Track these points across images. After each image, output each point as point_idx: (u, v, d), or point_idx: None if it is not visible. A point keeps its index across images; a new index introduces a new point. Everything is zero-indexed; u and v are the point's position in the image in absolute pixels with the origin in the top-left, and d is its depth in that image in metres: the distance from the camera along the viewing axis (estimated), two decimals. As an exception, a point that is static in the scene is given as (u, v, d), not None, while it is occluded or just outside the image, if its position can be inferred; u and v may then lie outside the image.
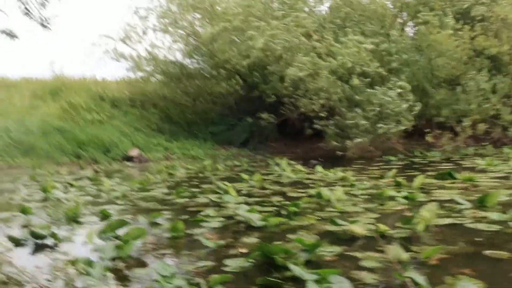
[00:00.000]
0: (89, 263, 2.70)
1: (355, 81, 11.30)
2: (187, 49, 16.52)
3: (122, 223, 3.51)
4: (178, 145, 14.93)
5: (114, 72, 36.11)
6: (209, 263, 2.90)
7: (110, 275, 2.38)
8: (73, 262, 2.66)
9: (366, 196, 5.26)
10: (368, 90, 11.19)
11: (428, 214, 3.55)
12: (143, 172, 9.94)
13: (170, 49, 16.65)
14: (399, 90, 10.77)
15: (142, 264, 2.99)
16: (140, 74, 17.33)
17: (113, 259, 3.03)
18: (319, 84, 11.44)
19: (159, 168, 10.01)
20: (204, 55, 16.30)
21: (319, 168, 8.08)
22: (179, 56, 17.07)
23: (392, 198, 4.96)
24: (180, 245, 3.44)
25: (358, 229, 3.42)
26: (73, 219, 4.56)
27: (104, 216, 4.61)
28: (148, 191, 6.59)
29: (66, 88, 17.93)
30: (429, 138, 11.63)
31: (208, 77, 17.16)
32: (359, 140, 10.82)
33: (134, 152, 13.66)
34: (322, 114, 11.66)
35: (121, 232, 3.47)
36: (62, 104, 16.45)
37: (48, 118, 15.18)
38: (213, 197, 5.53)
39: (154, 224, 4.22)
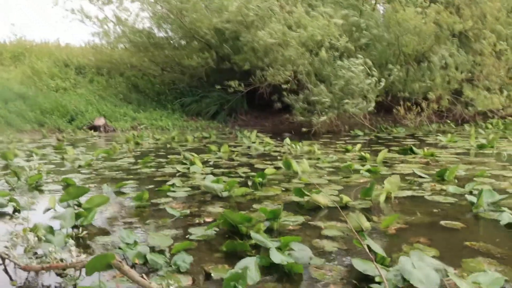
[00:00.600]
0: (50, 230, 2.65)
1: (323, 53, 11.31)
2: (155, 17, 16.02)
3: (84, 191, 3.44)
4: (146, 115, 14.68)
5: (78, 37, 34.86)
6: (173, 232, 2.90)
7: (72, 242, 2.35)
8: (34, 230, 2.60)
9: (331, 169, 5.36)
10: (336, 63, 11.21)
11: (390, 186, 3.66)
12: (109, 142, 9.76)
13: (138, 16, 16.12)
14: (361, 67, 10.84)
15: (105, 232, 2.97)
16: (106, 39, 16.75)
17: (75, 226, 3.00)
18: (288, 54, 11.40)
19: (125, 138, 9.84)
20: (172, 24, 15.88)
21: (287, 141, 8.14)
22: (147, 24, 16.58)
23: (356, 171, 5.08)
24: (145, 214, 3.42)
25: (322, 199, 3.49)
26: (35, 187, 4.46)
27: (67, 184, 4.52)
28: (114, 160, 6.49)
29: (27, 53, 17.18)
30: (401, 111, 11.88)
31: (177, 47, 16.78)
32: (323, 118, 10.92)
33: (99, 121, 13.33)
34: (287, 86, 11.64)
35: (84, 200, 3.42)
36: (24, 70, 15.78)
37: (9, 84, 14.55)
38: (180, 167, 5.52)
39: (119, 193, 4.18)
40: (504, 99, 11.93)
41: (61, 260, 2.13)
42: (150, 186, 4.45)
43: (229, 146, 7.80)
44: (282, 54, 11.60)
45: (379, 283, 1.98)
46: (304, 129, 11.23)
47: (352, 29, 12.49)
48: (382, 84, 11.05)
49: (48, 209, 3.32)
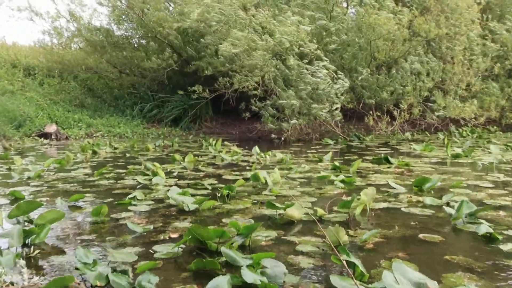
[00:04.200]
0: (-3, 250, 2.54)
1: (291, 60, 11.43)
2: (114, 14, 15.78)
3: (35, 205, 3.32)
4: (102, 122, 14.40)
5: (27, 35, 33.88)
6: (136, 249, 2.84)
7: (22, 262, 2.25)
8: (-22, 250, 2.48)
9: (304, 180, 5.40)
10: (301, 69, 11.32)
11: (366, 197, 3.71)
12: (62, 151, 9.51)
13: (95, 11, 15.88)
14: (325, 71, 11.02)
15: (60, 251, 2.87)
16: (58, 39, 16.36)
17: (26, 245, 2.88)
18: (254, 61, 11.46)
19: (80, 147, 9.61)
20: (133, 22, 15.69)
21: (256, 150, 8.16)
22: (104, 22, 16.35)
23: (329, 182, 5.14)
24: (104, 231, 3.33)
25: (295, 213, 3.50)
26: (-22, 202, 4.27)
27: (16, 198, 4.36)
28: (68, 171, 6.33)
29: (-31, 53, 16.58)
30: (370, 121, 12.11)
31: (137, 47, 16.59)
32: (294, 122, 11.02)
33: (51, 128, 12.96)
34: (256, 92, 11.69)
35: (35, 215, 3.30)
36: (-35, 71, 15.21)
37: None
38: (141, 179, 5.43)
39: (75, 208, 4.06)
40: (476, 108, 12.40)
41: (12, 283, 2.04)
42: (109, 200, 4.35)
43: (194, 155, 7.74)
44: (248, 61, 11.64)
45: (359, 301, 2.00)
46: (274, 136, 11.32)
47: (322, 33, 12.71)
48: (347, 85, 11.25)
49: (-5, 226, 3.18)
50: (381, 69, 13.01)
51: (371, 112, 12.38)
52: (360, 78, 12.08)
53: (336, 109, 11.14)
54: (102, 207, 3.62)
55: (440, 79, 12.83)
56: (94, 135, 13.51)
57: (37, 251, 2.77)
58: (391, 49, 12.71)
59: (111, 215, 3.70)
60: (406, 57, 12.69)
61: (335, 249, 2.19)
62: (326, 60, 11.42)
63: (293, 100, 10.95)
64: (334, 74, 11.28)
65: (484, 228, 3.10)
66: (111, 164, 7.09)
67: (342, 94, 11.35)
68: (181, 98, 14.72)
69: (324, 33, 12.67)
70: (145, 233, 3.21)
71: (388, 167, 6.38)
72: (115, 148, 9.87)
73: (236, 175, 5.84)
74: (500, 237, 2.99)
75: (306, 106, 11.20)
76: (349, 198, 4.05)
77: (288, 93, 11.23)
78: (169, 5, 14.79)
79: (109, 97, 16.37)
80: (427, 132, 12.69)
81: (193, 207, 3.90)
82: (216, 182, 5.33)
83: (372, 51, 12.69)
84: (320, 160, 7.18)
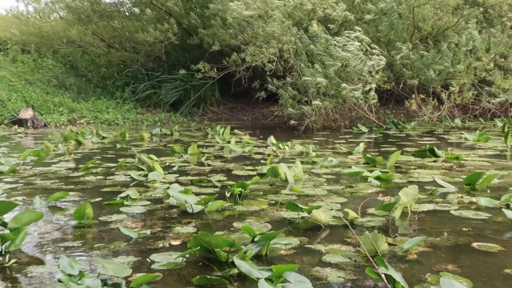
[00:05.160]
0: (-34, 258, 2.58)
1: (314, 26, 11.34)
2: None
3: (9, 206, 3.36)
4: (88, 106, 14.51)
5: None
6: (130, 259, 2.86)
7: (-5, 274, 2.29)
8: None
9: (331, 176, 5.39)
10: (328, 41, 11.22)
11: (406, 198, 3.69)
12: (40, 141, 9.62)
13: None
14: (357, 43, 10.90)
15: (40, 261, 2.90)
16: (35, 6, 16.47)
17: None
18: (270, 29, 11.40)
19: (62, 136, 9.71)
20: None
21: (272, 140, 8.17)
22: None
23: (362, 179, 5.12)
24: (90, 236, 3.37)
25: (322, 216, 3.49)
26: None
27: (-14, 197, 4.43)
28: (47, 165, 6.40)
29: None
30: (413, 105, 11.97)
31: (129, 16, 16.63)
32: (316, 103, 10.92)
33: (26, 113, 13.11)
34: (272, 66, 11.60)
35: (8, 218, 3.34)
36: None
37: None
38: (135, 174, 5.47)
39: (56, 209, 4.11)
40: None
41: (-17, 298, 2.07)
42: (97, 199, 4.39)
43: (198, 146, 7.78)
44: (263, 29, 11.60)
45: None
46: (293, 122, 11.29)
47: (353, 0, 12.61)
48: (383, 63, 11.15)
49: (-38, 230, 3.23)
50: (426, 42, 12.83)
51: (413, 94, 12.24)
52: (399, 56, 11.92)
53: (370, 89, 11.05)
54: (85, 207, 3.62)
55: (502, 57, 12.62)
56: (78, 122, 13.62)
57: (12, 261, 2.80)
58: (440, 17, 12.51)
59: (100, 218, 3.73)
60: (457, 29, 12.49)
61: (372, 260, 2.18)
62: (360, 30, 11.31)
63: (319, 77, 10.85)
64: (368, 48, 11.18)
65: (553, 235, 3.06)
66: (99, 157, 7.15)
67: (377, 72, 11.26)
68: (182, 77, 14.74)
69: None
70: (140, 240, 3.23)
71: (434, 161, 6.35)
72: (103, 138, 9.96)
73: (249, 170, 5.86)
74: None
75: (333, 87, 11.12)
76: (386, 198, 4.05)
77: (313, 69, 11.14)
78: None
79: (95, 76, 16.47)
80: (481, 119, 12.54)
81: (198, 209, 3.92)
82: (225, 178, 5.35)
83: (415, 20, 12.51)
84: (351, 153, 7.16)
